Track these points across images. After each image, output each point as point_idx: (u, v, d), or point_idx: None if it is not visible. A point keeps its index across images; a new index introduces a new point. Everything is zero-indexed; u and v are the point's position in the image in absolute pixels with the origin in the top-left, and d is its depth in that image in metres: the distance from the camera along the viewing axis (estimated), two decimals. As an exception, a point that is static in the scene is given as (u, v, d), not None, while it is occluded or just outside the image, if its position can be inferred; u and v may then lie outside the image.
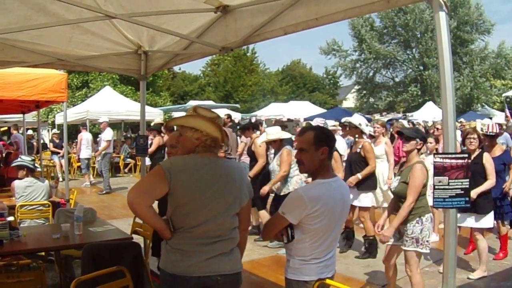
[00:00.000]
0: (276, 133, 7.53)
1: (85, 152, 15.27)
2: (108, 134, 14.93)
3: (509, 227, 7.66)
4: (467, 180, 2.87)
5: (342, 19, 3.46)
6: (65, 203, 7.47)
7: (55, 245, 5.07)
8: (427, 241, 4.83)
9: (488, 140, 7.10)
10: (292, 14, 3.90)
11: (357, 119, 7.92)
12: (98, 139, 16.85)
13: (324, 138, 3.16)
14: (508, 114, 21.88)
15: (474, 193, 5.94)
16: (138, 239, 5.36)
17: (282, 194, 7.28)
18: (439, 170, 2.87)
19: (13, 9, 4.37)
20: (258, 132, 10.01)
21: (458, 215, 5.61)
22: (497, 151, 7.11)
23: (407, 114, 30.81)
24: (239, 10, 4.45)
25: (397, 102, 42.66)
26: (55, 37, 5.20)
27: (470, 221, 6.23)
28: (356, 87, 47.48)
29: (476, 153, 6.31)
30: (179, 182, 2.91)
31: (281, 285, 3.61)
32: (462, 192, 2.87)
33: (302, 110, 28.85)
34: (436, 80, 36.05)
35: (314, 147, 3.13)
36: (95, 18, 4.52)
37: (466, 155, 2.89)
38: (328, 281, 3.16)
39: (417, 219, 4.82)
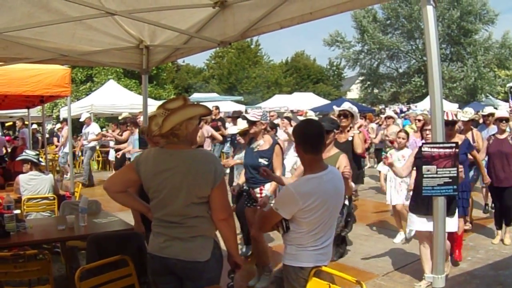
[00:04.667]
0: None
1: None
2: (96, 128, 15.46)
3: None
4: (455, 168, 2.97)
5: (335, 13, 3.57)
6: (70, 196, 7.60)
7: (61, 236, 5.19)
8: None
9: (446, 129, 6.30)
10: (288, 9, 4.02)
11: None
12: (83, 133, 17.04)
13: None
14: (512, 105, 21.78)
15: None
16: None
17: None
18: (428, 159, 2.96)
19: (16, 7, 4.44)
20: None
21: (418, 219, 5.35)
22: (456, 140, 6.29)
23: (411, 105, 30.77)
24: (237, 5, 4.54)
25: (401, 93, 42.38)
26: (58, 33, 5.27)
27: (430, 225, 4.93)
28: (360, 78, 47.25)
29: None
30: (141, 172, 3.22)
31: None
32: (450, 180, 2.98)
33: (306, 101, 28.85)
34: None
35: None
36: (96, 15, 4.63)
37: (454, 145, 2.98)
38: (324, 268, 3.23)
39: None
